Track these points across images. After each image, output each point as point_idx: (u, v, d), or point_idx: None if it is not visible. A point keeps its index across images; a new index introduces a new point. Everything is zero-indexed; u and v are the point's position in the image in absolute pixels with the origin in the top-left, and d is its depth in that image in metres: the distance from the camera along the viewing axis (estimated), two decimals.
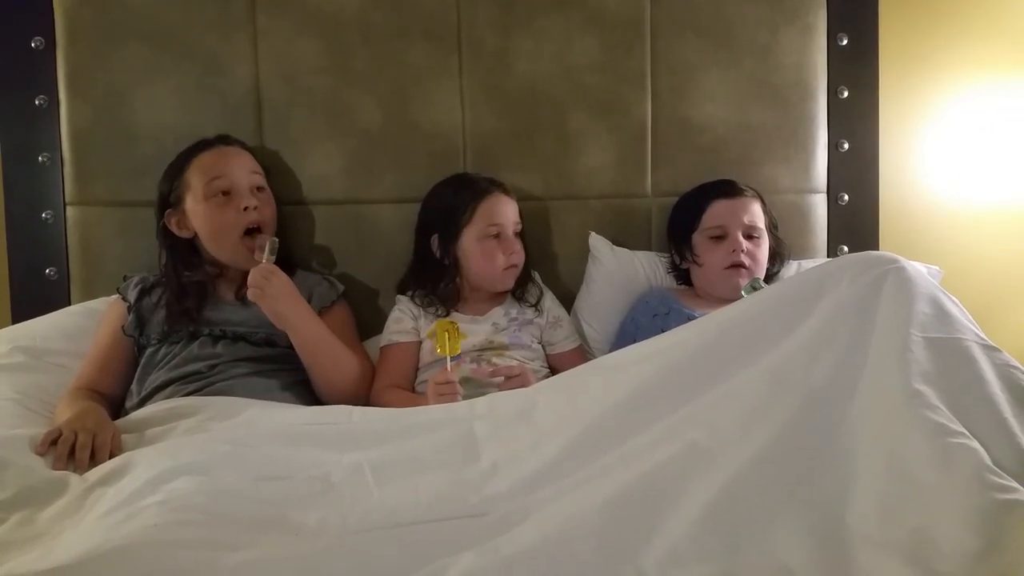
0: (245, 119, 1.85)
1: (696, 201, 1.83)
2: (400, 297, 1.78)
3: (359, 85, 1.88)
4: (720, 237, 1.77)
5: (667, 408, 1.14)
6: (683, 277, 1.88)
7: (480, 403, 1.33)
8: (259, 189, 1.71)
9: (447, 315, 1.71)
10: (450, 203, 1.74)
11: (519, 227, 1.76)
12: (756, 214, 1.80)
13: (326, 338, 1.59)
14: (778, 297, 1.27)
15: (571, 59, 1.93)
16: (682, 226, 1.84)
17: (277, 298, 1.54)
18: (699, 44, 1.95)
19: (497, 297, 1.78)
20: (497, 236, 1.71)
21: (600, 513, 0.95)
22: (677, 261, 1.86)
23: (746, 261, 1.74)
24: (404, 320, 1.71)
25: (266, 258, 1.57)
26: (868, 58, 2.02)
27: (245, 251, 1.63)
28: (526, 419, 1.24)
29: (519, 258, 1.74)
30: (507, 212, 1.74)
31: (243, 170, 1.69)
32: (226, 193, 1.65)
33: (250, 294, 1.53)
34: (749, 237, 1.77)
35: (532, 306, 1.78)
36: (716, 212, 1.79)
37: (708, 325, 1.29)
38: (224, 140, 1.74)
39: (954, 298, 1.19)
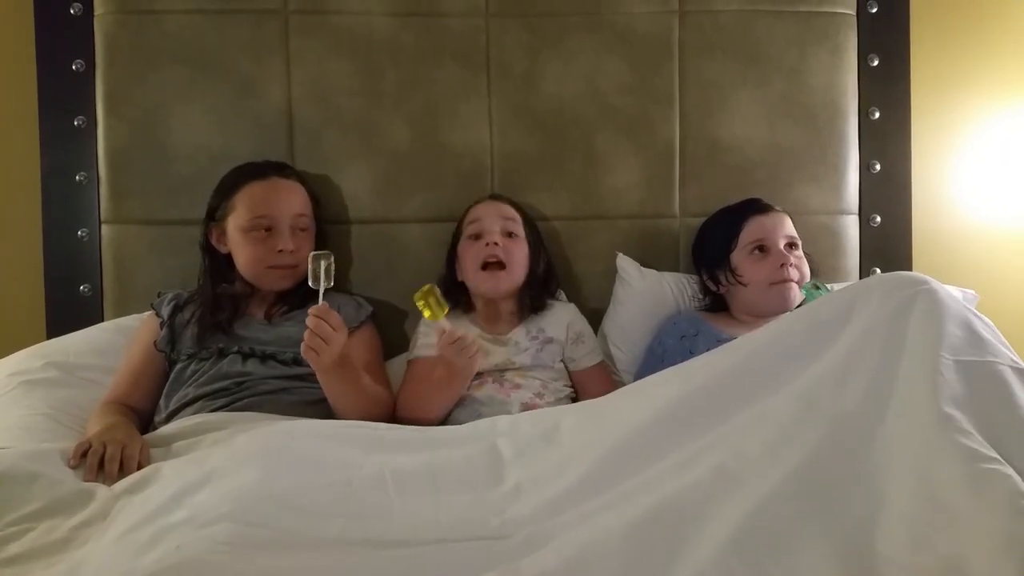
0: (277, 140, 1.88)
1: (729, 221, 1.80)
2: None
3: (389, 106, 1.90)
4: (762, 252, 1.74)
5: (694, 432, 1.12)
6: (714, 303, 1.84)
7: (502, 421, 1.33)
8: (301, 230, 1.72)
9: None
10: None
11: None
12: (792, 228, 1.78)
13: (356, 391, 1.53)
14: (807, 319, 1.25)
15: (599, 80, 1.93)
16: (716, 248, 1.79)
17: (326, 368, 1.46)
18: (727, 64, 1.95)
19: (514, 316, 1.75)
20: (478, 237, 1.72)
21: (623, 538, 0.94)
22: (712, 286, 1.82)
23: (795, 275, 1.71)
24: (430, 334, 1.71)
25: (322, 286, 1.45)
26: (900, 79, 2.01)
27: (272, 279, 1.68)
28: (551, 441, 1.23)
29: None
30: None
31: (290, 210, 1.70)
32: (267, 229, 1.67)
33: (303, 350, 1.43)
34: (791, 250, 1.74)
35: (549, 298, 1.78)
36: (754, 228, 1.76)
37: (736, 348, 1.28)
38: (280, 171, 1.75)
39: (988, 321, 1.16)
